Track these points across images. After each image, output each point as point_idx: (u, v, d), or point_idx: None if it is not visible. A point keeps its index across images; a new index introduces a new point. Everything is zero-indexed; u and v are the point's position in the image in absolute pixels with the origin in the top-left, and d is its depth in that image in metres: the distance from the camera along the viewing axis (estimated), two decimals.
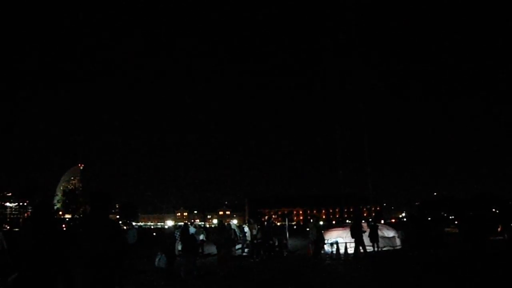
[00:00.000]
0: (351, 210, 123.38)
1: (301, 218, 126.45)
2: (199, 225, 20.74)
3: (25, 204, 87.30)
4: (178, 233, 15.41)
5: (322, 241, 16.18)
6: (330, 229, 21.47)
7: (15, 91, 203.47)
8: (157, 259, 12.01)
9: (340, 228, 20.90)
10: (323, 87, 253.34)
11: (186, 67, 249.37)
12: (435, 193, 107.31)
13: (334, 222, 66.49)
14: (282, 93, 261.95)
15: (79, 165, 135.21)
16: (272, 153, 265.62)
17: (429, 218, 21.95)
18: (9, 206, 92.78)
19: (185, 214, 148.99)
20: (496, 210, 70.95)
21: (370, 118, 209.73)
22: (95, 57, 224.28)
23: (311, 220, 22.16)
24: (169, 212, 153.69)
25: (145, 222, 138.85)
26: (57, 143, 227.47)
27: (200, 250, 18.88)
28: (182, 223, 16.61)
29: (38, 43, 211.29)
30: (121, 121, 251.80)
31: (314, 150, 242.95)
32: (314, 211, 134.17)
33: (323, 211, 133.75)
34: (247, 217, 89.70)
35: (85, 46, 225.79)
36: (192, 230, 15.23)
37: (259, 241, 16.85)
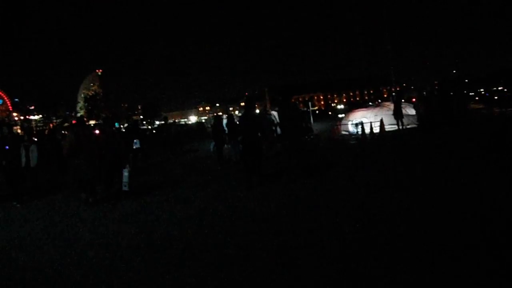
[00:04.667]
0: (371, 92, 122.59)
1: (322, 103, 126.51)
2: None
3: (49, 115, 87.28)
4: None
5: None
6: (355, 110, 21.63)
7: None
8: (211, 146, 14.11)
9: (364, 109, 21.08)
10: None
11: None
12: (454, 71, 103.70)
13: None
14: None
15: (97, 70, 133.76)
16: (289, 39, 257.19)
17: (451, 93, 21.13)
18: (33, 119, 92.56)
19: (208, 108, 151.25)
20: None
21: None
22: None
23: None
24: (191, 108, 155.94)
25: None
26: (72, 51, 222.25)
27: None
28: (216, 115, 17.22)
29: None
30: (135, 21, 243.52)
31: (332, 32, 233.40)
32: (335, 95, 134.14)
33: (344, 94, 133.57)
34: (268, 105, 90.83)
35: None
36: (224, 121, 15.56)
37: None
